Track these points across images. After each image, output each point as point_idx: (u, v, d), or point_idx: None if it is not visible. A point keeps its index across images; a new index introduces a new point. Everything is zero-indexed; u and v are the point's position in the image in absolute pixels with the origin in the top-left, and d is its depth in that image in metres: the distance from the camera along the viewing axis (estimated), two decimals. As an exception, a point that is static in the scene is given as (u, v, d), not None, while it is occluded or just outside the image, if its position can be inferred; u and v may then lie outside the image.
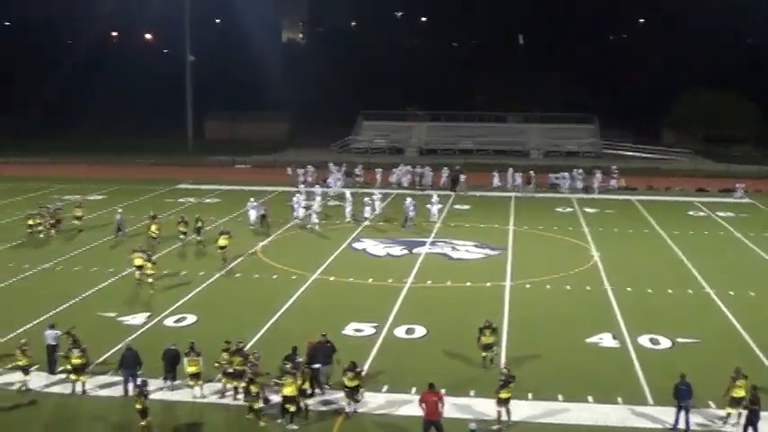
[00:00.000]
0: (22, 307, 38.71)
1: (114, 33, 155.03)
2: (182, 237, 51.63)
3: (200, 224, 52.52)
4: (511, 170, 77.46)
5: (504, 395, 26.96)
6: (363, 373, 28.91)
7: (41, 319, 36.15)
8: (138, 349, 29.89)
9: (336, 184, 75.71)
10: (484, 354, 31.28)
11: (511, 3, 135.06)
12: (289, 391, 26.80)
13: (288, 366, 27.88)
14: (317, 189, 66.95)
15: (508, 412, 27.00)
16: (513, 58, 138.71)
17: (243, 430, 27.03)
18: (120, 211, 56.07)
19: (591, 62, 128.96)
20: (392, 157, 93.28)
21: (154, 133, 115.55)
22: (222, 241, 48.14)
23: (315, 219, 57.65)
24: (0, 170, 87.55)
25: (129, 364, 29.19)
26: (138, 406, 25.80)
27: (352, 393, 27.41)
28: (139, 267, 42.78)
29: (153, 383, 28.59)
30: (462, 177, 76.03)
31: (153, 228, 52.24)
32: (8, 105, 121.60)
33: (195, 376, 28.76)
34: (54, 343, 30.79)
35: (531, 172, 76.74)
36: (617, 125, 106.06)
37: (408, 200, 59.79)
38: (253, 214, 58.07)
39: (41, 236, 53.78)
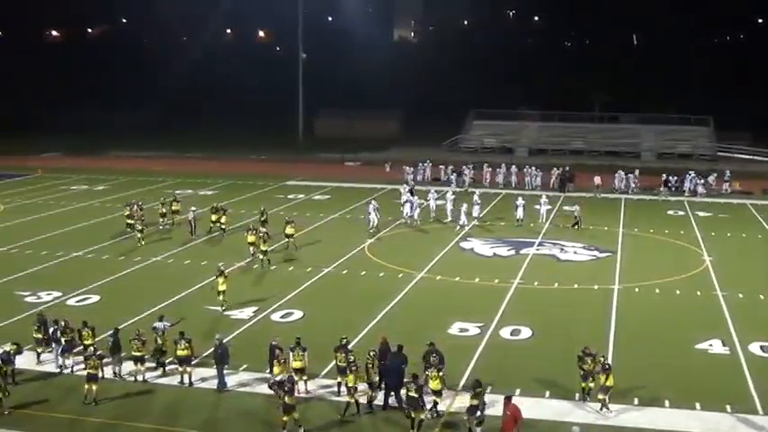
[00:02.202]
0: (133, 299, 39.78)
1: (228, 31, 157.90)
2: (260, 257, 46.78)
3: (264, 216, 53.44)
4: (631, 172, 76.05)
5: (609, 383, 27.14)
6: (467, 374, 28.78)
7: (152, 310, 37.07)
8: (246, 343, 30.32)
9: (466, 181, 75.81)
10: (584, 384, 28.49)
11: (624, 2, 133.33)
12: (435, 385, 27.12)
13: (433, 359, 27.95)
14: (439, 189, 65.96)
15: (606, 402, 27.16)
16: (627, 58, 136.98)
17: (347, 426, 27.15)
18: (191, 209, 55.61)
19: (708, 62, 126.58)
20: (502, 157, 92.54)
21: (266, 130, 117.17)
22: (289, 230, 50.35)
23: (464, 218, 57.21)
24: (118, 164, 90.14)
25: (222, 359, 29.58)
26: (284, 401, 26.07)
27: (473, 411, 26.19)
28: (251, 244, 46.94)
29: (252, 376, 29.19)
30: (597, 180, 74.24)
31: (219, 218, 54.65)
32: (126, 102, 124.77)
33: (300, 371, 29.01)
34: (161, 335, 31.40)
35: (665, 175, 75.22)
36: (734, 127, 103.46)
37: (519, 199, 59.63)
38: (373, 217, 56.72)
39: (132, 229, 53.50)
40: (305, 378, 29.14)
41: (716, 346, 34.10)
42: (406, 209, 59.35)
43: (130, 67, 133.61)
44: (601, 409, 27.44)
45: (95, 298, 40.22)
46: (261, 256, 46.11)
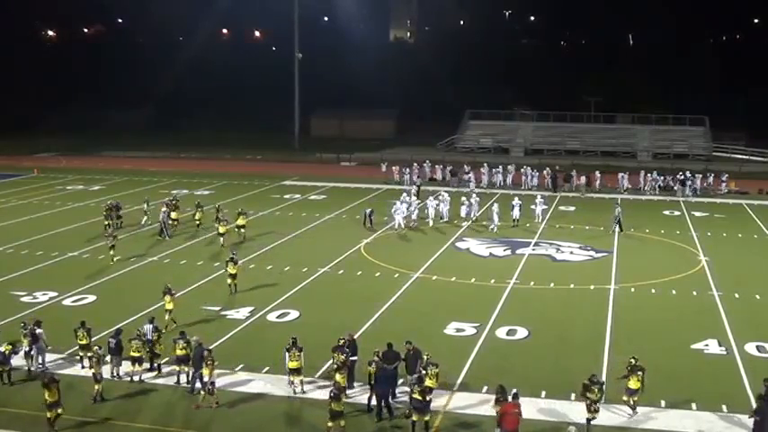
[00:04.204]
0: (129, 299, 39.71)
1: (224, 31, 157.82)
2: (228, 281, 41.89)
3: (220, 213, 53.93)
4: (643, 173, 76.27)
5: (633, 385, 27.26)
6: (463, 374, 28.69)
7: (147, 311, 36.84)
8: (242, 343, 30.22)
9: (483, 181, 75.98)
10: (589, 415, 26.49)
11: (620, 2, 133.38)
12: (431, 382, 26.89)
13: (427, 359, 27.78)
14: (435, 189, 65.88)
15: (634, 405, 27.33)
16: (623, 58, 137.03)
17: (348, 427, 27.08)
18: (163, 210, 54.83)
19: (704, 62, 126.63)
20: (497, 157, 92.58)
21: (261, 129, 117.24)
22: (240, 221, 52.46)
23: (496, 219, 56.70)
24: (113, 164, 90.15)
25: (196, 361, 29.11)
26: (331, 407, 25.65)
27: None
28: (222, 235, 50.71)
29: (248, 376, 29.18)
30: (582, 179, 74.19)
31: (195, 216, 56.17)
32: (122, 102, 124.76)
33: (295, 371, 28.93)
34: (151, 337, 31.23)
35: (681, 174, 74.78)
36: (731, 128, 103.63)
37: (515, 200, 59.61)
38: (399, 219, 56.49)
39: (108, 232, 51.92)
40: (300, 378, 29.02)
41: (712, 347, 34.09)
42: (403, 209, 59.28)
43: (126, 66, 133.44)
44: (634, 410, 27.52)
45: (91, 298, 40.13)
46: (228, 281, 41.36)
